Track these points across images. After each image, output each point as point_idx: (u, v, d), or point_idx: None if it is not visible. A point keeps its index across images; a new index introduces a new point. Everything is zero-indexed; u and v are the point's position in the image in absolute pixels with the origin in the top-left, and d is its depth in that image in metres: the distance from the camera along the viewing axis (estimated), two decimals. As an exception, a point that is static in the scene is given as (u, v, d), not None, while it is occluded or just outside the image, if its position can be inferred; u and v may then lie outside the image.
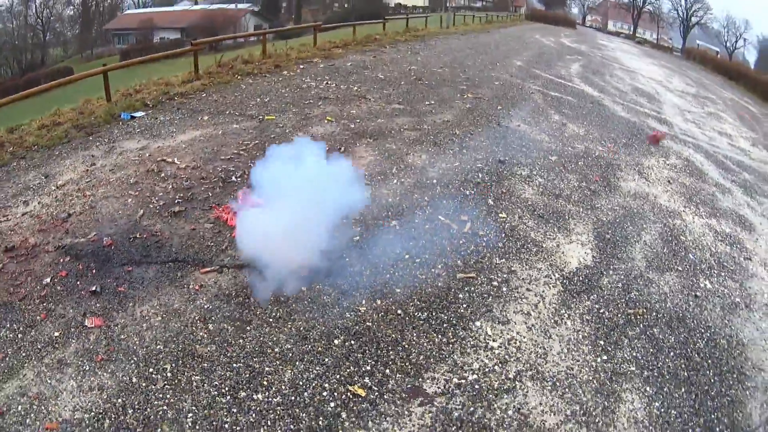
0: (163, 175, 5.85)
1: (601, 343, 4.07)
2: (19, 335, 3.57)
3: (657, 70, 24.59)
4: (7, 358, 3.37)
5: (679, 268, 5.45)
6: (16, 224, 4.89)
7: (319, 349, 3.52)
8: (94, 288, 3.97)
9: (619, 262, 5.30)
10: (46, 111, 8.45)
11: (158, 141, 6.91)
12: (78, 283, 4.06)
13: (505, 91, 11.67)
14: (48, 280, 4.10)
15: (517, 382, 3.54)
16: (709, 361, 4.18)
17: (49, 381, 3.21)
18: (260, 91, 9.44)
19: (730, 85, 29.07)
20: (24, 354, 3.42)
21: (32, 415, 2.99)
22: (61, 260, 4.34)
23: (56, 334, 3.57)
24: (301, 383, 3.25)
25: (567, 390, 3.56)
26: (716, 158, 10.02)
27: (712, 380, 4.00)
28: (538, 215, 5.92)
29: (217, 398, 3.11)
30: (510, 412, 3.30)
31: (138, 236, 4.65)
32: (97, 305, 3.83)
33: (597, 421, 3.37)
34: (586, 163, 7.92)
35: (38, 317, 3.72)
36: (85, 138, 7.10)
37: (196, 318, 3.69)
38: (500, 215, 5.74)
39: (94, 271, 4.20)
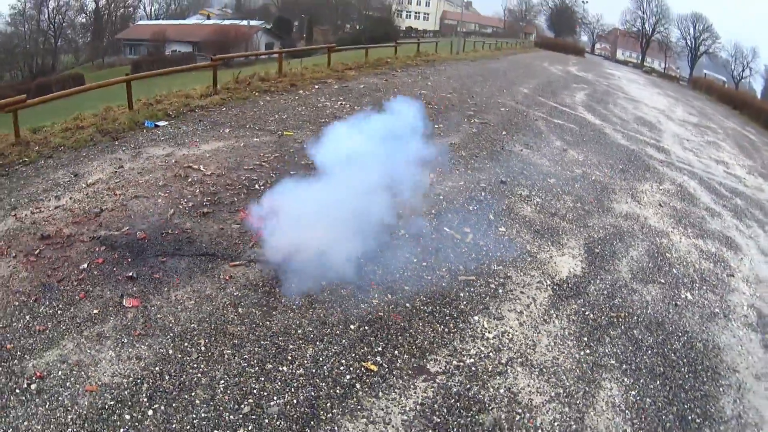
0: (190, 180, 6.49)
1: (585, 339, 4.63)
2: (59, 311, 4.09)
3: (661, 100, 25.44)
4: (47, 331, 3.88)
5: (662, 281, 6.03)
6: (49, 216, 5.48)
7: (337, 332, 4.08)
8: (130, 274, 4.54)
9: (606, 273, 5.88)
10: (55, 116, 9.12)
11: (183, 149, 7.58)
12: (114, 269, 4.63)
13: (510, 117, 12.39)
14: (85, 265, 4.66)
15: (508, 367, 4.09)
16: (685, 360, 4.73)
17: (88, 351, 3.72)
18: (278, 108, 10.19)
19: (733, 115, 29.90)
20: (64, 327, 3.94)
21: (72, 379, 3.48)
22: (97, 249, 4.91)
23: (95, 311, 4.11)
24: (321, 359, 3.81)
25: (552, 376, 4.11)
26: (710, 185, 10.65)
27: (687, 376, 4.53)
28: (535, 230, 6.52)
29: (246, 369, 3.67)
30: (501, 391, 3.85)
31: (170, 232, 5.24)
32: (134, 288, 4.39)
33: (578, 402, 3.92)
34: (583, 186, 8.55)
35: (77, 297, 4.26)
36: (110, 142, 7.77)
37: (227, 303, 4.26)
38: (500, 229, 6.35)
39: (129, 259, 4.77)
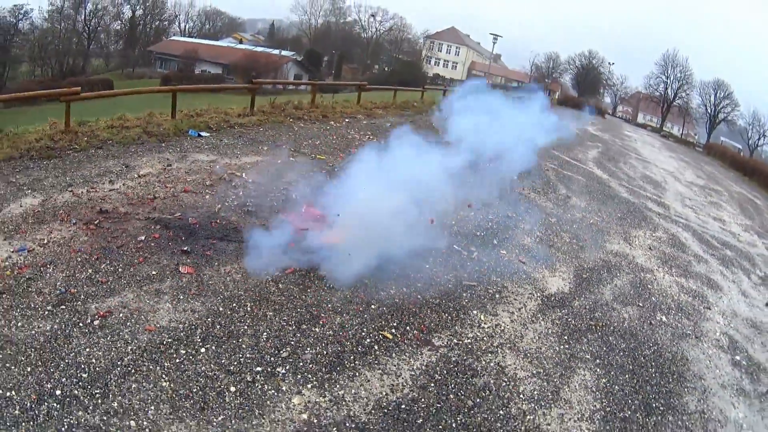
0: (233, 184, 7.70)
1: (565, 338, 5.63)
2: (119, 269, 5.10)
3: (672, 163, 26.68)
4: (108, 282, 4.86)
5: (640, 305, 7.03)
6: (104, 196, 6.60)
7: (360, 308, 5.10)
8: (185, 248, 5.60)
9: (590, 294, 6.90)
10: (89, 114, 10.13)
11: (225, 158, 8.82)
12: (170, 243, 5.69)
13: (521, 163, 13.65)
14: (142, 238, 5.72)
15: (498, 349, 5.09)
16: (653, 363, 5.68)
17: (147, 301, 4.71)
18: (311, 134, 11.51)
19: (743, 181, 31.03)
20: (124, 282, 4.93)
21: (132, 320, 4.44)
22: (152, 227, 5.99)
23: (153, 273, 5.13)
24: (347, 325, 4.82)
25: (535, 359, 5.10)
26: (702, 237, 11.70)
27: (654, 375, 5.48)
28: (532, 256, 7.58)
29: (285, 326, 4.67)
30: (492, 364, 4.84)
31: (218, 222, 6.35)
32: (188, 260, 5.44)
33: (555, 380, 4.89)
34: (580, 227, 9.65)
35: (136, 260, 5.29)
36: (157, 143, 9.01)
37: (269, 280, 5.29)
38: (501, 251, 7.43)
39: (182, 238, 5.84)
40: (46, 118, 9.50)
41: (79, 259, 5.13)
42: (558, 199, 11.15)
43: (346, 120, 13.91)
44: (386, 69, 65.08)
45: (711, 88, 64.98)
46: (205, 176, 7.80)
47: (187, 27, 74.58)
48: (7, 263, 4.85)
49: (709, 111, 65.09)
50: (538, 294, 6.48)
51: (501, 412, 4.27)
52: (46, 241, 5.34)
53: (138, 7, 66.84)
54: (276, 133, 11.06)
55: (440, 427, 3.95)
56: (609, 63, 68.57)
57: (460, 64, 73.18)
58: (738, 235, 13.43)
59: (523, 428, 4.16)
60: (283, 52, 57.90)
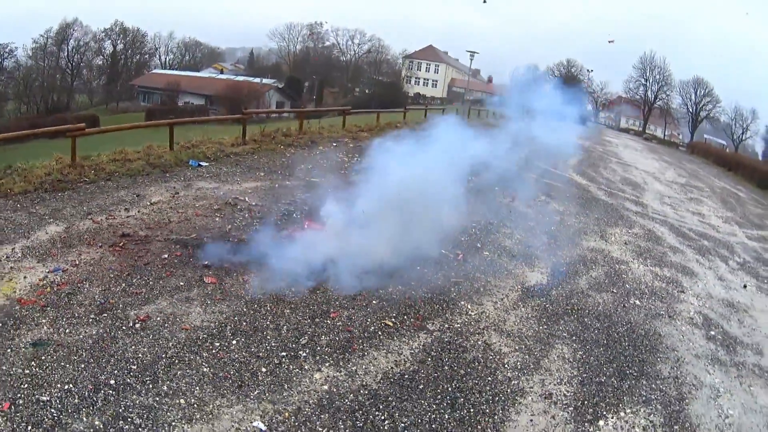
0: (239, 207, 8.67)
1: (544, 320, 6.57)
2: (150, 282, 6.00)
3: (654, 164, 27.96)
4: (143, 293, 5.75)
5: (614, 291, 8.03)
6: (123, 222, 7.54)
7: (364, 304, 6.02)
8: (205, 263, 6.53)
9: (567, 285, 7.87)
10: (86, 150, 10.98)
11: (227, 185, 9.81)
12: (190, 259, 6.61)
13: (504, 176, 14.75)
14: (165, 255, 6.65)
15: (484, 330, 6.02)
16: (626, 338, 6.61)
17: (180, 307, 5.58)
18: (302, 159, 12.52)
19: (727, 176, 32.52)
20: (156, 292, 5.83)
21: (169, 322, 5.31)
22: (172, 246, 6.92)
23: (181, 283, 6.04)
24: (353, 317, 5.72)
25: (517, 338, 6.03)
26: (679, 230, 12.79)
27: (627, 347, 6.39)
28: (512, 255, 8.57)
29: (301, 320, 5.55)
30: (479, 343, 5.77)
31: (230, 240, 7.29)
32: (209, 272, 6.35)
33: (536, 353, 5.81)
34: (558, 228, 10.67)
35: (163, 274, 6.19)
36: (161, 174, 10.01)
37: (283, 286, 6.19)
38: (485, 252, 8.42)
39: (201, 255, 6.74)
40: (37, 155, 10.42)
41: (112, 276, 6.03)
42: (538, 205, 12.20)
43: (334, 144, 14.97)
44: (367, 91, 66.86)
45: (691, 86, 67.12)
46: (211, 201, 8.75)
47: (167, 59, 77.04)
48: (45, 281, 5.72)
49: (690, 110, 67.19)
50: (519, 286, 7.44)
51: (489, 378, 5.19)
52: (77, 262, 6.23)
53: (119, 42, 69.38)
54: (270, 160, 12.08)
55: (438, 390, 4.86)
56: (588, 70, 70.67)
57: (440, 82, 75.30)
58: (717, 226, 14.55)
59: (508, 390, 5.08)
60: (264, 80, 59.53)
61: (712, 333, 7.50)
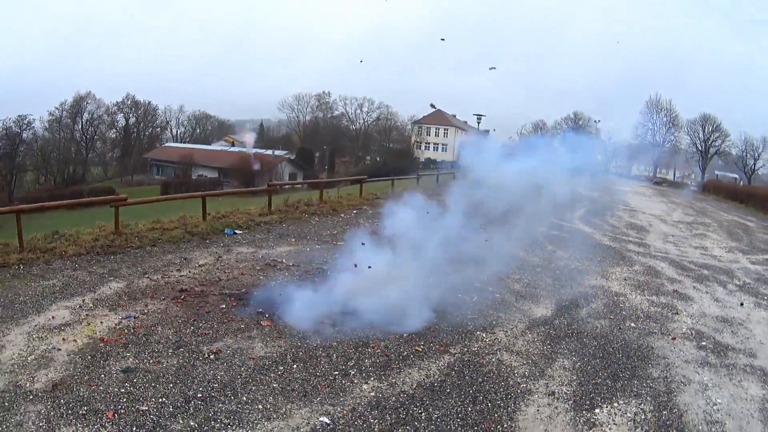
0: (278, 267, 10.52)
1: (548, 342, 8.15)
2: (215, 326, 7.66)
3: (661, 207, 29.64)
4: (210, 333, 7.39)
5: (611, 317, 9.58)
6: (177, 280, 9.36)
7: (396, 337, 7.71)
8: (259, 310, 8.25)
9: (569, 316, 9.43)
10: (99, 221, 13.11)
11: (263, 249, 11.72)
12: (246, 308, 8.32)
13: (512, 230, 16.62)
14: (223, 306, 8.38)
15: (497, 351, 7.58)
16: (621, 351, 8.08)
17: (244, 342, 7.16)
18: (328, 226, 14.58)
19: (739, 209, 34.15)
20: (222, 332, 7.47)
21: (238, 353, 6.89)
22: (227, 299, 8.67)
23: (241, 326, 7.70)
24: (390, 346, 7.39)
25: (524, 355, 7.58)
26: (680, 264, 14.38)
27: (621, 358, 7.84)
28: (521, 296, 10.27)
29: (346, 349, 7.14)
30: (493, 360, 7.31)
31: (274, 294, 8.98)
32: (264, 317, 8.07)
33: (541, 365, 7.33)
34: (562, 272, 12.34)
35: (225, 320, 7.87)
36: (201, 241, 12.03)
37: (327, 324, 7.94)
38: (496, 294, 10.13)
39: (253, 305, 8.47)
40: (72, 223, 12.47)
41: (180, 321, 7.77)
42: (544, 254, 13.97)
43: (354, 211, 17.13)
44: (378, 159, 70.20)
45: (698, 124, 69.79)
46: (252, 263, 10.62)
47: (178, 132, 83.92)
48: (120, 325, 7.47)
49: (699, 148, 69.58)
50: (526, 319, 9.07)
51: (502, 383, 6.76)
52: (145, 311, 8.00)
53: (131, 115, 76.22)
54: (298, 228, 14.12)
55: (461, 392, 6.44)
56: (595, 121, 73.65)
57: (449, 145, 78.93)
58: (719, 256, 16.11)
59: (518, 391, 6.65)
60: (276, 152, 64.06)
61: (703, 343, 8.83)
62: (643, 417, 6.36)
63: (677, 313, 10.32)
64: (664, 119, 71.01)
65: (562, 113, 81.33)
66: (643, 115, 70.77)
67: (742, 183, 58.70)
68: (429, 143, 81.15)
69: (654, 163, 69.11)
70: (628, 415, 6.38)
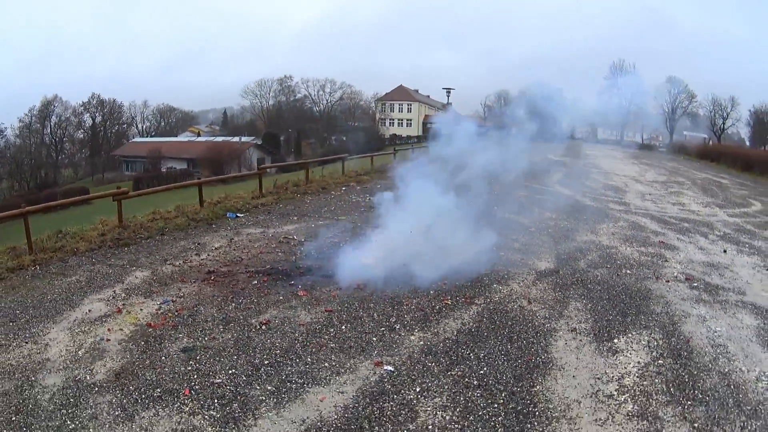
0: (292, 244, 11.58)
1: (558, 290, 9.43)
2: (255, 300, 8.61)
3: (634, 168, 31.66)
4: (253, 306, 8.32)
5: (608, 266, 10.97)
6: (199, 264, 10.28)
7: (426, 294, 8.91)
8: (291, 282, 9.28)
9: (569, 266, 10.77)
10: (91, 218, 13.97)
11: (271, 229, 12.76)
12: (278, 282, 9.30)
13: (499, 195, 18.08)
14: (255, 282, 9.33)
15: (516, 300, 8.81)
16: (623, 294, 9.39)
17: (288, 313, 8.01)
18: (323, 203, 15.70)
19: (710, 167, 36.76)
20: (263, 305, 8.41)
21: (286, 321, 7.83)
22: (256, 276, 9.62)
23: (280, 298, 8.68)
24: (422, 302, 8.56)
25: (541, 302, 8.84)
26: (661, 218, 16.05)
27: (625, 299, 9.14)
28: (522, 252, 11.67)
29: (384, 308, 8.22)
30: (516, 307, 8.52)
31: (300, 266, 10.09)
32: (298, 287, 9.11)
33: (558, 309, 8.59)
34: (554, 230, 13.76)
35: (262, 294, 8.83)
36: (207, 226, 13.09)
37: (353, 287, 9.13)
38: (500, 253, 11.48)
39: (283, 278, 9.48)
40: (43, 229, 13.09)
41: (219, 299, 8.67)
42: (533, 216, 15.36)
43: (343, 188, 18.30)
44: (344, 139, 72.17)
45: (664, 87, 72.77)
46: (266, 242, 11.66)
47: (144, 127, 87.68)
48: (162, 309, 8.31)
49: (665, 109, 72.85)
50: (533, 272, 10.38)
51: (529, 324, 8.00)
52: (181, 295, 8.87)
53: (97, 115, 79.42)
54: (295, 207, 15.23)
55: (498, 334, 7.60)
56: (559, 88, 75.86)
57: (414, 120, 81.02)
58: (697, 211, 17.92)
59: (545, 330, 7.88)
60: (243, 139, 66.49)
61: (695, 284, 10.25)
62: (655, 343, 7.67)
63: (666, 261, 11.81)
64: (630, 83, 73.35)
65: (526, 83, 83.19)
66: (607, 80, 73.06)
67: (711, 142, 61.88)
68: (393, 119, 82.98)
69: (621, 126, 71.80)
70: (642, 342, 7.70)
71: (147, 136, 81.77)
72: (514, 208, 16.03)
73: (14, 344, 7.21)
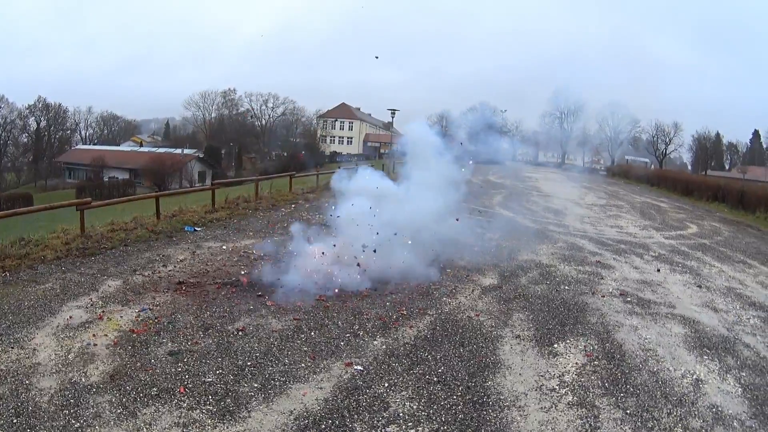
0: (251, 258, 13.12)
1: (502, 303, 11.21)
2: (227, 309, 10.01)
3: (574, 191, 34.23)
4: (226, 315, 9.68)
5: (548, 283, 12.95)
6: (167, 275, 11.61)
7: (383, 303, 10.60)
8: (259, 293, 10.76)
9: (512, 283, 12.67)
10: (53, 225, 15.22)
11: (229, 243, 14.30)
12: (245, 293, 10.76)
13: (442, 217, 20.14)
14: (224, 292, 10.76)
15: (464, 311, 10.56)
16: (562, 307, 11.20)
17: (260, 320, 9.46)
18: (275, 219, 17.60)
19: (650, 191, 40.24)
20: (237, 314, 9.80)
21: (260, 328, 9.16)
22: (224, 287, 11.08)
23: (251, 307, 10.13)
24: (379, 313, 10.27)
25: (485, 313, 10.58)
26: (598, 240, 18.34)
27: (563, 311, 10.97)
28: (468, 269, 13.56)
29: (347, 317, 9.82)
30: (464, 317, 10.21)
31: (262, 279, 11.54)
32: (264, 298, 10.55)
33: (502, 319, 10.36)
34: (497, 250, 15.71)
35: (233, 303, 10.29)
36: (168, 239, 14.61)
37: (317, 297, 10.70)
38: (447, 270, 13.46)
39: (249, 290, 10.94)
40: (26, 230, 14.22)
41: (193, 308, 10.02)
42: (475, 236, 17.27)
43: (292, 206, 20.20)
44: (285, 154, 74.82)
45: (607, 111, 77.78)
46: (228, 255, 13.19)
47: (87, 134, 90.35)
48: (142, 317, 9.56)
49: (608, 135, 77.81)
50: (479, 287, 12.25)
51: (478, 332, 9.64)
52: (157, 303, 10.16)
53: (42, 119, 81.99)
54: (249, 223, 17.07)
55: (450, 340, 9.22)
56: (501, 111, 79.36)
57: (355, 138, 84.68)
58: (634, 233, 20.43)
59: (492, 336, 9.56)
60: (186, 151, 69.56)
61: (629, 299, 12.23)
62: (591, 348, 9.57)
63: (602, 279, 13.94)
64: (572, 107, 78.08)
65: (468, 104, 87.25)
66: (550, 103, 77.49)
67: (652, 167, 66.80)
68: (335, 137, 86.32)
69: (562, 148, 76.20)
70: (580, 347, 9.55)
71: (90, 144, 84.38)
72: (456, 229, 18.12)
73: (0, 349, 8.19)
